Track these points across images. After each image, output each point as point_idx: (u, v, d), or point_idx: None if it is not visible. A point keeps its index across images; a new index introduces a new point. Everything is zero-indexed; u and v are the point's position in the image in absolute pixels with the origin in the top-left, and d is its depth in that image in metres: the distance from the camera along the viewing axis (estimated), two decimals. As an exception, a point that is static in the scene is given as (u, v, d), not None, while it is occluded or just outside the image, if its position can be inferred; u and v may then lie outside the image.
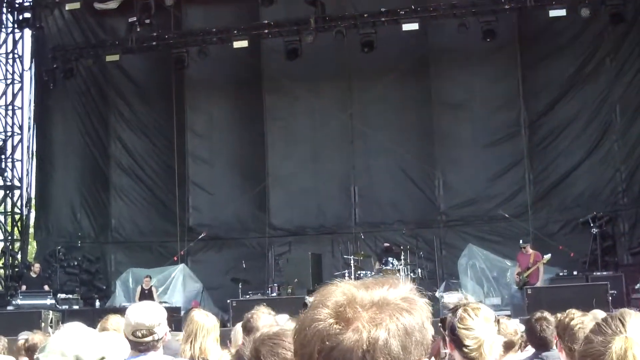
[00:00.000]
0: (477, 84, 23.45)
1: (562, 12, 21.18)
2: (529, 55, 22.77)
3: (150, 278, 20.81)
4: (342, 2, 22.79)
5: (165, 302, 18.83)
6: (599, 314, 6.41)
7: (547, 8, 21.28)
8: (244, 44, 22.95)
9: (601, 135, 22.02)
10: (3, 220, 24.63)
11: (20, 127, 24.70)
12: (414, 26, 21.97)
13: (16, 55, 25.06)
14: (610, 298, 15.43)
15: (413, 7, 22.19)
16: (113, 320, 6.32)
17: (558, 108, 22.49)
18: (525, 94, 22.74)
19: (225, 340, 6.31)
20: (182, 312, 17.95)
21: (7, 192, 24.40)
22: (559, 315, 5.52)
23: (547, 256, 18.43)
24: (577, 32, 22.24)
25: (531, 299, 15.94)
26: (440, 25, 23.00)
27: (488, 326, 3.99)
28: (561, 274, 19.05)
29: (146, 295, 20.17)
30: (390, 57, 23.07)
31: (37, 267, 21.51)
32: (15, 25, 24.62)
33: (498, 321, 4.16)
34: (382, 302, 1.72)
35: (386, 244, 20.55)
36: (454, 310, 4.10)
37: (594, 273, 18.89)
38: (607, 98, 21.98)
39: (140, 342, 4.78)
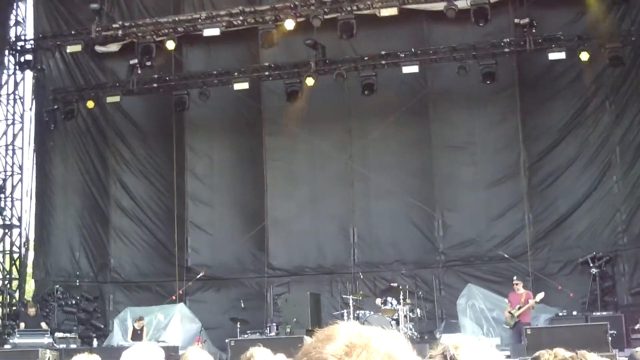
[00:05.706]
0: (477, 126, 23.48)
1: (561, 55, 21.32)
2: (528, 97, 22.79)
3: (143, 319, 20.73)
4: (343, 45, 22.87)
5: (163, 342, 18.77)
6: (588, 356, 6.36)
7: (546, 51, 21.42)
8: (244, 85, 23.09)
9: (601, 176, 22.01)
10: (1, 259, 24.58)
11: (20, 167, 24.81)
12: (414, 69, 22.08)
13: (17, 96, 25.20)
14: (610, 338, 15.37)
15: (413, 49, 22.37)
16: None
17: (558, 150, 22.52)
18: (525, 136, 22.75)
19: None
20: (181, 351, 17.83)
21: (6, 231, 24.45)
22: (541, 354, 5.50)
23: (541, 294, 18.29)
24: (576, 75, 22.34)
25: (531, 339, 15.86)
26: (440, 68, 23.15)
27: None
28: (561, 314, 19.02)
29: (138, 335, 20.16)
30: (391, 99, 23.16)
31: (32, 311, 21.29)
32: (17, 67, 24.81)
33: None
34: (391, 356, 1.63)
35: (392, 284, 20.39)
36: (444, 352, 4.18)
37: (594, 313, 18.89)
38: (607, 140, 22.00)
39: None
